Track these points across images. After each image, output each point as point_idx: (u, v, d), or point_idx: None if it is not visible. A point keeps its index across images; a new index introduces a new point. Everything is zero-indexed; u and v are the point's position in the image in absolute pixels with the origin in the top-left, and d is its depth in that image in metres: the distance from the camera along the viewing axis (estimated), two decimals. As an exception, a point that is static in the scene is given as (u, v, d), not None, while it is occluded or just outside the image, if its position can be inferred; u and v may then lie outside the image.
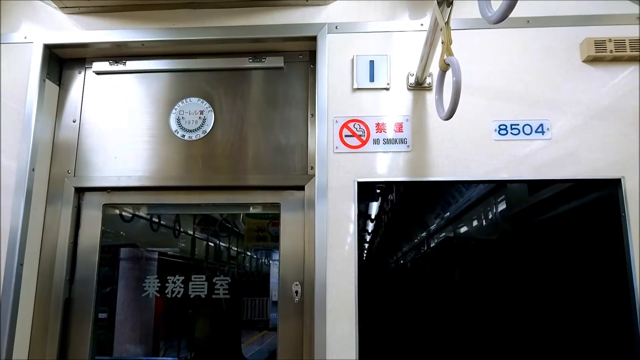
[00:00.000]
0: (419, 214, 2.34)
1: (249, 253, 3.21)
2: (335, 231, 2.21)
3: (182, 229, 3.09)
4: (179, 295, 2.41)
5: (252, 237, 2.97)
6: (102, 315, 2.57)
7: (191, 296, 2.42)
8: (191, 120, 2.50)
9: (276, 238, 2.40)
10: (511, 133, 2.27)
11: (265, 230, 2.88)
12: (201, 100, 2.53)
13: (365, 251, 2.29)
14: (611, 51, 2.27)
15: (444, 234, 2.32)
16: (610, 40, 2.28)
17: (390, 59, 2.36)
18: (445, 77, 1.92)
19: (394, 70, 2.35)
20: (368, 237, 2.31)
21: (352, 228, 2.20)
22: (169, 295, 2.41)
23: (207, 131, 2.48)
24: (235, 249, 3.12)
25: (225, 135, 2.48)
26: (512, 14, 1.28)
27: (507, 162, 2.24)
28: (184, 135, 2.48)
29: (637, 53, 2.27)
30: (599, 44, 2.28)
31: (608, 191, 2.23)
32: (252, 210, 2.62)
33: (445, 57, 1.73)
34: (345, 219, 2.21)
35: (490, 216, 2.31)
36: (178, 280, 2.41)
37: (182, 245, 3.11)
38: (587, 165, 2.23)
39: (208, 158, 2.45)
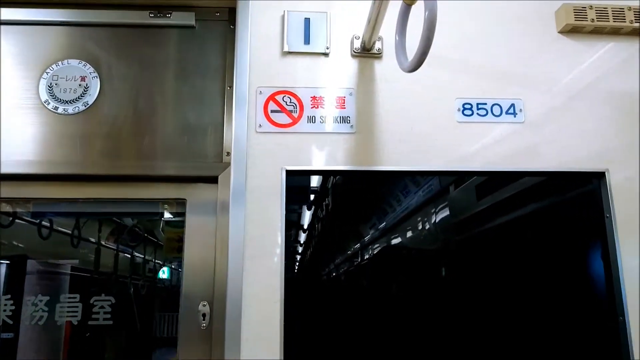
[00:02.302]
0: (364, 212, 1.86)
1: (172, 265, 2.61)
2: (256, 235, 1.67)
3: (82, 236, 2.42)
4: (40, 322, 1.77)
5: (172, 247, 2.36)
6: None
7: (57, 323, 1.79)
8: (68, 88, 1.88)
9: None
10: (477, 114, 1.84)
11: (187, 241, 2.27)
12: (83, 63, 1.92)
13: (297, 261, 1.77)
14: (592, 20, 1.90)
15: (396, 236, 1.85)
16: (591, 7, 1.91)
17: (330, 17, 1.87)
18: (409, 14, 1.44)
19: (335, 32, 1.86)
20: (300, 243, 1.80)
21: (279, 231, 1.68)
22: (27, 323, 1.77)
23: (90, 103, 1.88)
24: (153, 260, 2.51)
25: (113, 110, 1.88)
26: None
27: (474, 149, 1.80)
28: (57, 108, 1.86)
29: (623, 24, 1.90)
30: (579, 11, 1.90)
31: (589, 187, 1.85)
32: (164, 213, 2.01)
33: (410, -17, 1.26)
34: (270, 219, 1.69)
35: (448, 215, 1.86)
36: (40, 302, 1.78)
37: (87, 257, 2.44)
38: (565, 154, 1.83)
39: (89, 138, 1.84)
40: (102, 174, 1.84)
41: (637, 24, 1.90)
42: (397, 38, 1.45)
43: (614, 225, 1.77)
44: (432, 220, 1.89)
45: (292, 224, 1.74)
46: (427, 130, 1.80)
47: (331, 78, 1.82)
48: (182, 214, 1.87)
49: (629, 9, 1.91)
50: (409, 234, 1.89)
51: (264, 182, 1.71)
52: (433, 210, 1.88)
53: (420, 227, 1.89)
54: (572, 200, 1.88)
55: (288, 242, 1.68)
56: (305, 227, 1.84)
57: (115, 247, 2.49)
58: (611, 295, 1.73)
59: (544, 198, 1.88)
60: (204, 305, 1.75)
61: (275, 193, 1.70)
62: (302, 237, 1.82)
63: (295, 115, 1.78)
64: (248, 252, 1.65)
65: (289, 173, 1.72)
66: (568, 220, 1.86)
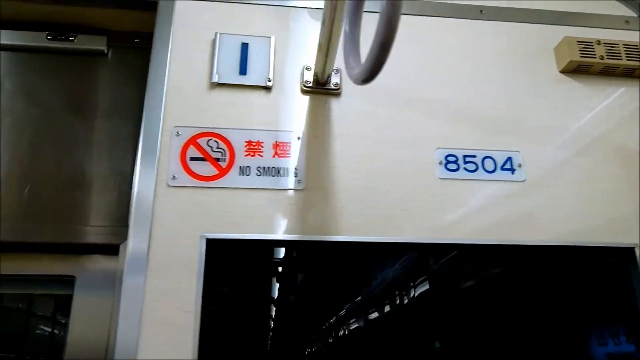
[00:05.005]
0: (316, 296, 1.38)
1: None
2: (157, 328, 1.16)
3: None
4: None
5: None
6: None
7: None
8: None
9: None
10: (465, 169, 1.41)
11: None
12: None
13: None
14: (601, 57, 1.53)
15: (355, 322, 1.38)
16: (599, 42, 1.55)
17: (275, 43, 1.47)
18: (363, 7, 1.03)
19: (280, 61, 1.46)
20: (219, 338, 1.29)
21: (192, 323, 1.17)
22: None
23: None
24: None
25: (-18, 153, 1.42)
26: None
27: (460, 215, 1.35)
28: None
29: (637, 63, 1.54)
30: (585, 46, 1.54)
31: (612, 268, 1.41)
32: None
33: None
34: (179, 306, 1.18)
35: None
36: None
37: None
38: (578, 223, 1.39)
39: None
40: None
41: (654, 64, 1.54)
42: (346, 29, 1.02)
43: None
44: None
45: (212, 298, 1.25)
46: (399, 187, 1.36)
47: (273, 119, 1.39)
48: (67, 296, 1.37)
49: (645, 45, 1.56)
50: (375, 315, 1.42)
51: (174, 254, 1.22)
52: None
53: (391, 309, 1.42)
54: (590, 286, 1.44)
55: (204, 336, 1.18)
56: (235, 302, 1.35)
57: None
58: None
59: (555, 277, 1.45)
60: None
61: (189, 268, 1.21)
62: (223, 317, 1.32)
63: (224, 164, 1.32)
64: (144, 350, 1.14)
65: (211, 242, 1.24)
66: (585, 314, 1.41)
